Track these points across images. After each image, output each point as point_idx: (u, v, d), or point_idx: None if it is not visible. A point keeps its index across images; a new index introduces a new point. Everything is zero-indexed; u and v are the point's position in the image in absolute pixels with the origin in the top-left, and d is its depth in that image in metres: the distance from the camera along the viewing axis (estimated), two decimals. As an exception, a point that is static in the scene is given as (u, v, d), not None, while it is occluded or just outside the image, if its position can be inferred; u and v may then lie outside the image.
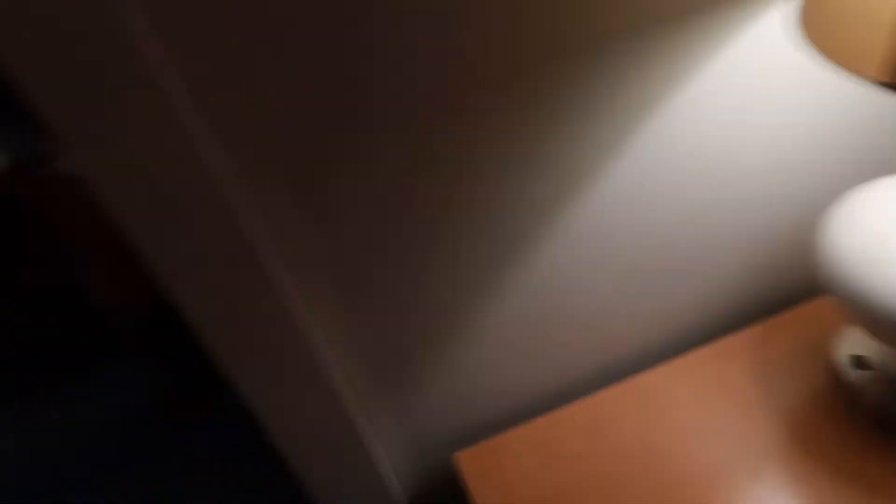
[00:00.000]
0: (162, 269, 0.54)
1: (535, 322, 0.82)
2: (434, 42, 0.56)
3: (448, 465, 0.94)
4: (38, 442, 1.78)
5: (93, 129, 0.46)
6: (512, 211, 0.71)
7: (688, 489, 0.81)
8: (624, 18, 0.60)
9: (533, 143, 0.66)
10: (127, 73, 0.45)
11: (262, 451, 1.66)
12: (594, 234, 0.76)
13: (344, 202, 0.62)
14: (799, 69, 0.72)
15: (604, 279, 0.82)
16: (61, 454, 1.76)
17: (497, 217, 0.70)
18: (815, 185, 0.82)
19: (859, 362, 0.81)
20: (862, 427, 0.82)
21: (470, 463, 0.88)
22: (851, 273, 0.66)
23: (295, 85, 0.54)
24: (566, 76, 0.63)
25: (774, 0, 0.65)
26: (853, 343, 0.84)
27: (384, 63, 0.55)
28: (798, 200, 0.83)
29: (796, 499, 0.78)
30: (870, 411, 0.81)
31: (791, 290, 0.94)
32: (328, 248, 0.64)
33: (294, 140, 0.57)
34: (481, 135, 0.63)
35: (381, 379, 0.79)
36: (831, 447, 0.82)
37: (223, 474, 1.65)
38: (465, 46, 0.57)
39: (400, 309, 0.73)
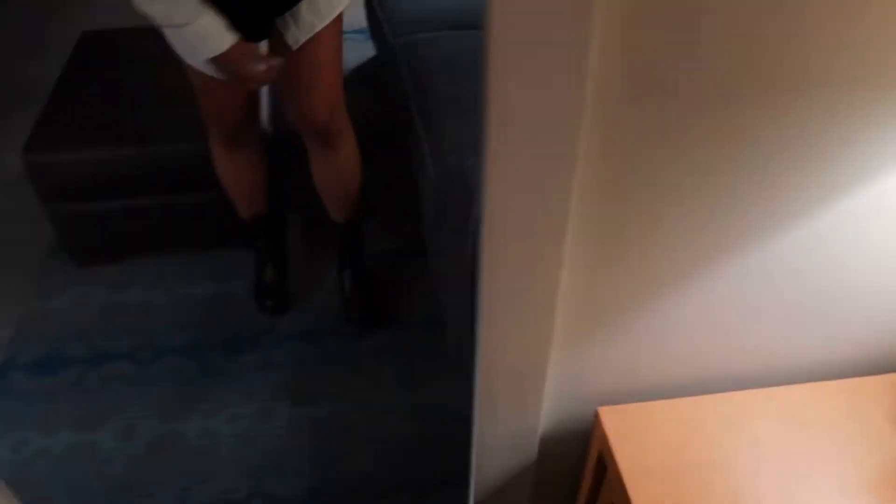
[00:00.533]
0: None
1: (723, 314, 0.89)
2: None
3: (583, 417, 1.02)
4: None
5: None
6: (746, 215, 0.79)
7: (805, 497, 0.88)
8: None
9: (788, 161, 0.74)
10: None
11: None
12: (801, 258, 0.84)
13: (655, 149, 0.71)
14: None
15: (794, 293, 0.89)
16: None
17: (733, 212, 0.78)
18: None
19: None
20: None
21: (613, 419, 0.95)
22: None
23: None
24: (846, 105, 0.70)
25: None
26: None
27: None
28: None
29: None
30: None
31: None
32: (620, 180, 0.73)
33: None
34: (771, 133, 0.70)
35: (579, 320, 0.87)
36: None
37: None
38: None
39: (633, 262, 0.81)
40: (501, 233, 0.69)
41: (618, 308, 0.87)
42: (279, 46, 1.43)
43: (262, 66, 1.33)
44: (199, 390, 1.72)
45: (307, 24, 1.40)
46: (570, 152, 0.62)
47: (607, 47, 0.60)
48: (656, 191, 0.75)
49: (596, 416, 0.96)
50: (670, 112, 0.67)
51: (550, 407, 0.98)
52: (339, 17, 1.46)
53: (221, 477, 1.55)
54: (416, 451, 1.59)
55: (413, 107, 1.76)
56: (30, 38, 2.90)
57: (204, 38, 1.25)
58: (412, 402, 1.68)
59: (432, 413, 1.66)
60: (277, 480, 1.54)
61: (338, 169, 1.72)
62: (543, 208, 0.66)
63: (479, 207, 1.33)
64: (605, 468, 0.98)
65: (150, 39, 1.74)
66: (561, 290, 0.81)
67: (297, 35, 1.40)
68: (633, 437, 0.93)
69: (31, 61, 2.76)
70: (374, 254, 1.99)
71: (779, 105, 0.71)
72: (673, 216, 0.78)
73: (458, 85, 1.75)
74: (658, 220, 0.78)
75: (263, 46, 1.41)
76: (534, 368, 0.86)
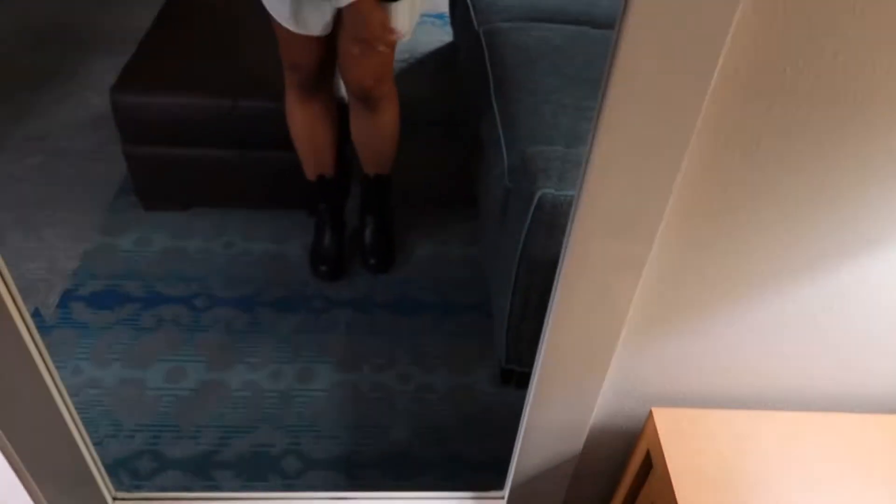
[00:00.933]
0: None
1: (793, 333, 0.88)
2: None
3: (633, 415, 1.01)
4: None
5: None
6: (834, 235, 0.78)
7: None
8: None
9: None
10: None
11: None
12: (880, 289, 0.83)
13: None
14: None
15: (867, 323, 0.88)
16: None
17: (823, 229, 0.77)
18: None
19: None
20: None
21: (665, 420, 0.95)
22: None
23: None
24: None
25: None
26: None
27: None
28: None
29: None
30: None
31: None
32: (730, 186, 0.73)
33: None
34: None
35: (647, 320, 0.86)
36: None
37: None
38: None
39: (714, 268, 0.80)
40: (592, 227, 0.69)
41: (687, 313, 0.87)
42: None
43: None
44: (247, 343, 1.75)
45: None
46: (680, 151, 0.62)
47: (735, 45, 0.60)
48: (751, 196, 0.74)
49: (649, 415, 0.96)
50: (784, 113, 0.66)
51: (603, 401, 0.98)
52: None
53: (259, 430, 1.58)
54: (452, 431, 1.60)
55: (492, 93, 1.76)
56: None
57: None
58: (452, 384, 1.69)
59: (471, 396, 1.67)
60: (313, 441, 1.57)
61: (376, 130, 1.79)
62: (640, 203, 0.66)
63: (541, 195, 1.34)
64: (650, 468, 0.98)
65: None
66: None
67: None
68: (684, 441, 0.93)
69: (123, 9, 2.84)
70: (426, 240, 2.02)
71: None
72: (763, 224, 0.77)
73: (537, 75, 1.75)
74: (748, 229, 0.77)
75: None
76: (597, 363, 0.86)
